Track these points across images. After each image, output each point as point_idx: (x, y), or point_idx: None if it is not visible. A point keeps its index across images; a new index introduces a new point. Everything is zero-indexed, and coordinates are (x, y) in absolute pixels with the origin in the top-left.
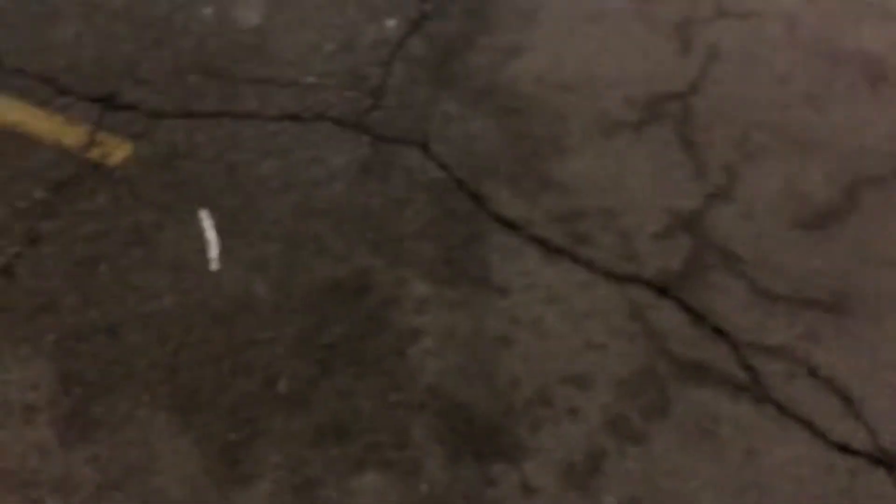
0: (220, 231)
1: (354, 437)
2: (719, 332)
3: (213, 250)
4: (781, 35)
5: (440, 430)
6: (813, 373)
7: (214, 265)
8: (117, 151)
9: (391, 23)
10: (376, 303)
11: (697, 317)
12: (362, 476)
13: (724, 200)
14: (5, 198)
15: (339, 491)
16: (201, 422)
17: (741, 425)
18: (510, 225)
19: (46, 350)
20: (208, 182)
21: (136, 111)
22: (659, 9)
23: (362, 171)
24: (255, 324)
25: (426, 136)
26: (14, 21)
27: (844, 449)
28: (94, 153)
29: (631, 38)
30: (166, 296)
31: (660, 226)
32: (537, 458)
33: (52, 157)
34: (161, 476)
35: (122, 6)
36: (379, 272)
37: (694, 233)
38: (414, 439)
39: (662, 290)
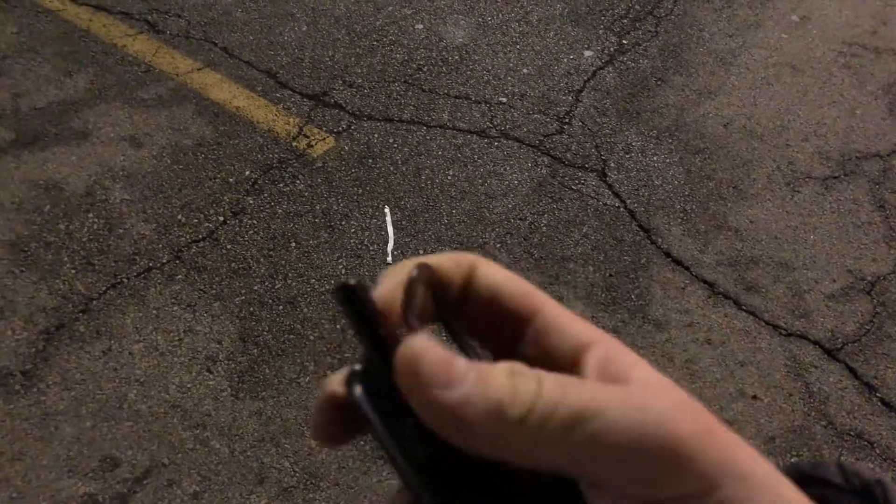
0: (399, 228)
1: None
2: (888, 406)
3: (391, 244)
4: None
5: None
6: None
7: (390, 258)
8: (320, 144)
9: (588, 53)
10: None
11: (866, 386)
12: None
13: None
14: (220, 172)
15: None
16: None
17: None
18: (677, 262)
19: (234, 310)
20: (395, 182)
21: (342, 110)
22: (871, 65)
23: (537, 189)
24: None
25: (605, 164)
26: (250, 20)
27: None
28: (300, 143)
29: (834, 91)
30: (343, 278)
31: (837, 286)
32: None
33: (264, 141)
34: (314, 440)
35: (343, 14)
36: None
37: (876, 298)
38: None
39: (830, 353)
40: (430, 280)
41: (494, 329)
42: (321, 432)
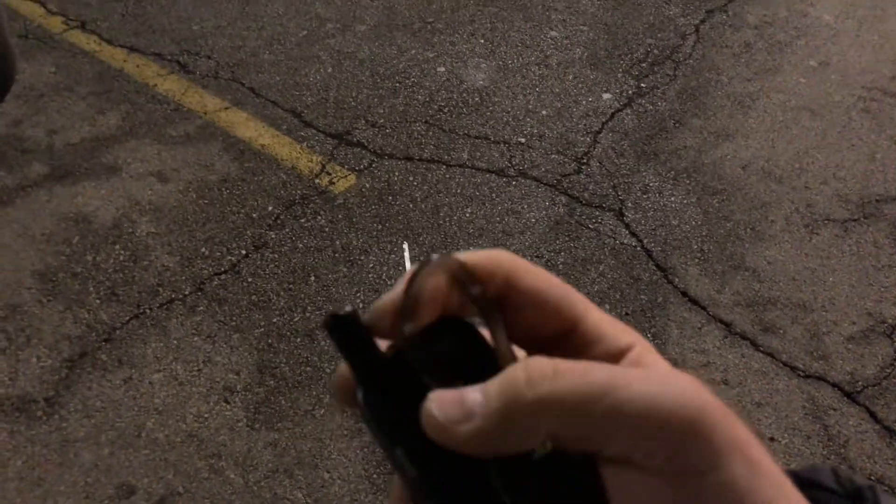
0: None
1: None
2: None
3: None
4: None
5: None
6: None
7: None
8: (342, 181)
9: (607, 96)
10: None
11: (887, 430)
12: None
13: None
14: (244, 207)
15: None
16: None
17: None
18: (694, 301)
19: (252, 342)
20: (414, 219)
21: (364, 149)
22: (891, 110)
23: (554, 228)
24: None
25: (622, 204)
26: (277, 61)
27: None
28: (323, 180)
29: (853, 135)
30: (361, 308)
31: (857, 328)
32: None
33: (288, 178)
34: (327, 472)
35: (367, 57)
36: None
37: None
38: None
39: (850, 396)
40: (453, 271)
41: (533, 329)
42: (336, 397)
